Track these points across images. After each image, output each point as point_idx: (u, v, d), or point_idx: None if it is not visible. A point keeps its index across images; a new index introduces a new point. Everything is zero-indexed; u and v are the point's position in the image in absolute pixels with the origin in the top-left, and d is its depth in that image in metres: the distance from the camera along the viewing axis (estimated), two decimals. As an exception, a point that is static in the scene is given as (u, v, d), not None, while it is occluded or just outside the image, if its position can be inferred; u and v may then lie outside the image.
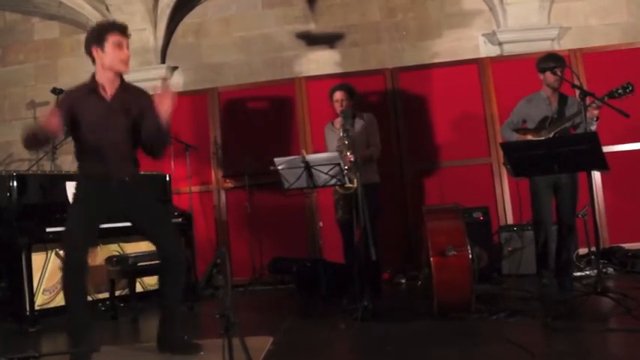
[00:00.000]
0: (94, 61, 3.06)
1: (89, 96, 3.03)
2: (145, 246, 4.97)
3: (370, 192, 4.12)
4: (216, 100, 6.13)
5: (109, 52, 2.99)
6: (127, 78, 3.20)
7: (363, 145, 4.35)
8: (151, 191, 3.30)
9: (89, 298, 4.66)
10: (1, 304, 4.38)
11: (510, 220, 5.51)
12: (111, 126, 3.02)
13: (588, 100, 3.78)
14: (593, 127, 3.78)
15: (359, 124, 4.42)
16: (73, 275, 2.93)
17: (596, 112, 3.80)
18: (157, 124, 2.97)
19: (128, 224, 3.23)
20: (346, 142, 4.16)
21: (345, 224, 4.42)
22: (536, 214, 4.18)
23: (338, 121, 4.53)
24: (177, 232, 3.30)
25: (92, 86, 3.04)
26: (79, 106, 3.01)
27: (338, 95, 4.44)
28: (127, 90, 3.12)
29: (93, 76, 3.07)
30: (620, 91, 3.76)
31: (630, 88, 3.73)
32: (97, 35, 3.01)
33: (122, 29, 3.04)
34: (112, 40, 2.99)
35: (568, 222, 4.11)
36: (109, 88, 3.05)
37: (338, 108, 4.44)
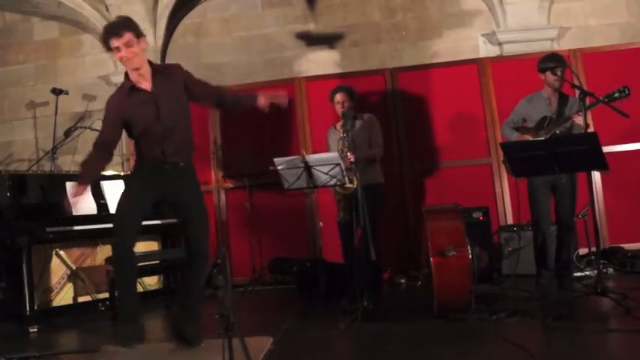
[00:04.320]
0: None
1: (131, 95, 3.14)
2: (144, 246, 4.99)
3: (375, 192, 4.12)
4: (216, 100, 6.11)
5: (116, 57, 3.13)
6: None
7: (364, 146, 4.33)
8: (197, 185, 3.41)
9: (89, 298, 4.68)
10: (1, 304, 4.38)
11: (510, 220, 5.50)
12: (162, 114, 3.12)
13: (588, 100, 3.79)
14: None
15: (360, 125, 4.41)
16: (119, 261, 3.14)
17: (579, 119, 3.80)
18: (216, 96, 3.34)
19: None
20: (346, 142, 4.16)
21: (346, 225, 4.41)
22: (534, 214, 4.19)
23: (340, 124, 4.52)
24: (209, 231, 3.41)
25: (130, 85, 3.15)
26: (126, 109, 3.13)
27: (339, 97, 4.42)
28: (162, 75, 3.20)
29: (126, 75, 3.18)
30: (616, 95, 3.77)
31: (626, 92, 3.75)
32: (104, 43, 3.13)
33: (113, 32, 3.08)
34: (112, 45, 3.09)
35: (567, 222, 4.12)
36: (142, 80, 3.15)
37: (339, 110, 4.42)
